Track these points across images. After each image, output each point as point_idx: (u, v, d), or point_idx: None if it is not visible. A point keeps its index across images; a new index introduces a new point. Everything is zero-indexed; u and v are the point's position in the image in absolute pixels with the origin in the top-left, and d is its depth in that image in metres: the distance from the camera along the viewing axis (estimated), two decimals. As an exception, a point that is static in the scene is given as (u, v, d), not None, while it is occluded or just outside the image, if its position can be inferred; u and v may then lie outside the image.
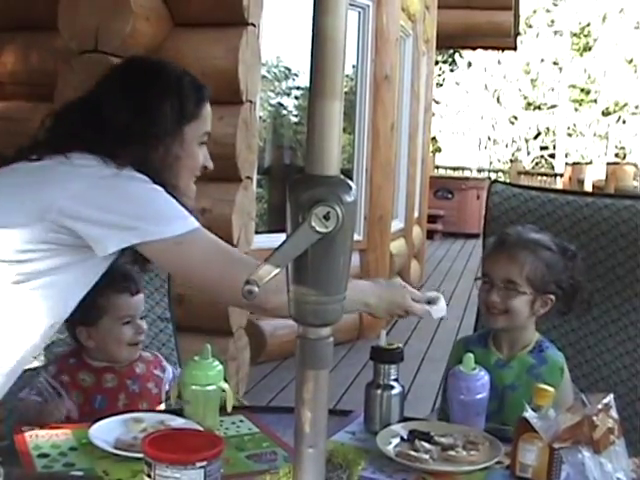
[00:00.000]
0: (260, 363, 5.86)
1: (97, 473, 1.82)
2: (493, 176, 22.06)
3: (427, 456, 1.92)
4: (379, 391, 2.16)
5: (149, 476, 1.56)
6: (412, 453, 1.93)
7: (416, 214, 10.33)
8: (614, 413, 1.76)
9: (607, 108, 30.39)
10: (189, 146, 2.16)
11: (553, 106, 30.75)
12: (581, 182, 14.81)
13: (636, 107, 29.96)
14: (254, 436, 2.12)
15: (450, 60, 30.84)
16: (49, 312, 2.04)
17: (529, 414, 1.76)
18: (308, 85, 1.10)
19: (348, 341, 6.78)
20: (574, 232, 2.68)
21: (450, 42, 14.68)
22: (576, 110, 30.93)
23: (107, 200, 1.95)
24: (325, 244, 1.10)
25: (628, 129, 30.18)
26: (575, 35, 30.47)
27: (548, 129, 31.49)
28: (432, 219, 13.81)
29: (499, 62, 30.42)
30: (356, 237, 7.06)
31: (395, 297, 2.14)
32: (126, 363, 2.50)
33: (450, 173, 21.96)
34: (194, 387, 2.14)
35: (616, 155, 29.75)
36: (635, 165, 16.08)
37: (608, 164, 14.51)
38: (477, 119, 31.39)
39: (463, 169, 23.74)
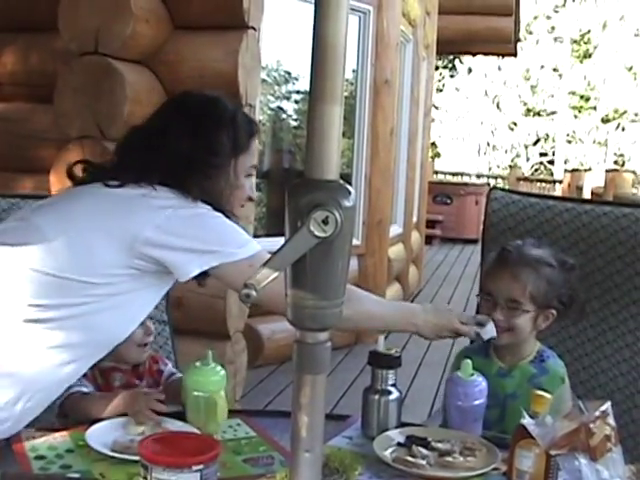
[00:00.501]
0: (257, 367, 5.86)
1: (94, 475, 1.82)
2: (492, 182, 22.04)
3: (424, 462, 1.92)
4: (377, 396, 2.16)
5: (145, 479, 1.56)
6: (409, 459, 1.93)
7: (415, 219, 10.33)
8: (611, 420, 1.76)
9: (606, 115, 30.41)
10: (239, 177, 2.27)
11: (553, 113, 30.77)
12: (580, 189, 14.82)
13: (635, 114, 29.98)
14: (251, 440, 2.12)
15: (450, 66, 30.85)
16: (108, 333, 2.15)
17: (526, 421, 1.76)
18: (308, 89, 1.10)
19: (346, 346, 6.77)
20: (573, 239, 2.68)
21: (450, 47, 14.68)
22: (575, 117, 30.95)
23: (188, 229, 2.08)
24: (324, 249, 1.10)
25: (627, 136, 30.20)
26: (575, 42, 30.50)
27: (547, 136, 31.51)
28: (431, 224, 13.82)
29: (499, 68, 30.44)
30: (354, 242, 7.06)
31: (442, 320, 2.28)
32: (133, 363, 2.51)
33: (449, 178, 21.93)
34: (196, 393, 2.14)
35: (615, 162, 29.76)
36: (634, 172, 16.10)
37: (607, 171, 14.48)
38: (477, 125, 31.40)
39: (462, 175, 23.73)
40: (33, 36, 4.82)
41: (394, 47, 7.71)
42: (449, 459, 1.94)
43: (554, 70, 30.49)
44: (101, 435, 2.00)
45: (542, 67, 30.37)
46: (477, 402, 2.14)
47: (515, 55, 16.87)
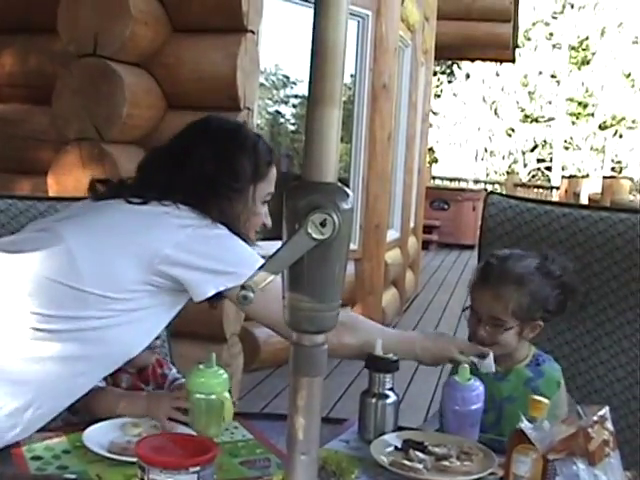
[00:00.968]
0: (253, 370, 5.85)
1: (90, 476, 1.82)
2: (489, 188, 22.03)
3: (421, 466, 1.92)
4: (374, 400, 2.16)
5: (142, 480, 1.55)
6: (406, 462, 1.93)
7: (412, 224, 10.33)
8: (609, 425, 1.75)
9: (604, 122, 30.43)
10: (256, 203, 2.32)
11: (550, 119, 30.78)
12: (577, 195, 14.82)
13: (633, 121, 30.00)
14: (248, 442, 2.11)
15: (448, 71, 30.89)
16: (123, 347, 2.18)
17: (524, 425, 1.76)
18: (306, 93, 1.10)
19: (342, 350, 6.75)
20: (569, 244, 2.68)
21: (449, 53, 14.68)
22: (573, 123, 30.98)
23: (207, 248, 2.13)
24: (321, 251, 1.10)
25: (625, 143, 30.22)
26: (573, 49, 30.52)
27: (545, 142, 31.52)
28: (428, 229, 13.81)
29: (497, 74, 30.46)
30: (351, 246, 7.05)
31: (441, 349, 2.31)
32: (141, 366, 2.51)
33: (446, 184, 21.94)
34: (198, 395, 2.13)
35: (612, 169, 29.78)
36: (631, 179, 16.15)
37: (604, 178, 14.51)
38: (474, 131, 31.41)
39: (459, 180, 23.73)
40: (32, 37, 4.82)
41: (392, 52, 7.72)
42: (446, 463, 1.94)
43: (552, 76, 30.50)
44: (98, 436, 2.00)
45: (540, 73, 30.39)
46: (474, 407, 2.14)
47: (513, 61, 16.90)
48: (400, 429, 2.17)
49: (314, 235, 1.08)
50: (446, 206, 16.39)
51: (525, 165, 31.56)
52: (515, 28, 14.38)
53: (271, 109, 7.94)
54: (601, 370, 2.65)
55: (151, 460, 1.56)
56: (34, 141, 4.76)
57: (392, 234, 8.94)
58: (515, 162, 31.66)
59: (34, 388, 2.03)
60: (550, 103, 30.75)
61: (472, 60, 19.71)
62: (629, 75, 29.68)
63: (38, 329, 2.02)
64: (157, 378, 2.52)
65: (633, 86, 29.78)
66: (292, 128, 8.28)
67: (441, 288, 11.20)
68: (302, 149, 1.12)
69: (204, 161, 2.23)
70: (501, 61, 18.07)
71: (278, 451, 2.03)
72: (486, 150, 31.86)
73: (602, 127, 30.47)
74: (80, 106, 4.36)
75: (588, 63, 30.41)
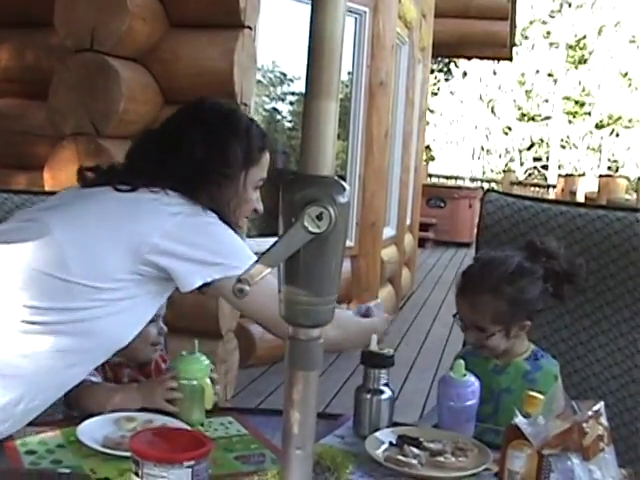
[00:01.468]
0: (249, 367, 5.85)
1: (84, 471, 1.82)
2: (486, 186, 22.05)
3: (415, 461, 1.92)
4: (369, 395, 2.15)
5: (137, 474, 1.55)
6: (401, 458, 1.93)
7: (408, 222, 10.33)
8: (604, 420, 1.75)
9: (601, 121, 30.49)
10: (247, 189, 2.28)
11: (547, 118, 30.83)
12: (573, 194, 14.85)
13: (629, 120, 30.05)
14: (242, 437, 2.11)
15: (445, 69, 30.91)
16: (111, 338, 2.15)
17: (519, 419, 1.76)
18: (303, 91, 1.10)
19: (338, 346, 6.75)
20: (566, 242, 2.68)
21: (446, 51, 14.72)
22: (570, 122, 31.02)
23: (196, 237, 2.09)
24: (317, 245, 1.09)
25: (621, 142, 30.27)
26: (571, 47, 30.57)
27: (542, 140, 31.57)
28: (424, 227, 13.82)
29: (494, 72, 30.50)
30: (348, 243, 7.06)
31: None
32: (143, 361, 2.51)
33: (443, 182, 21.97)
34: (180, 381, 2.16)
35: (609, 168, 29.82)
36: (627, 178, 16.14)
37: (601, 176, 14.53)
38: (471, 129, 31.46)
39: (456, 178, 23.76)
40: (28, 32, 4.82)
41: (390, 49, 7.71)
42: (441, 459, 1.94)
43: (549, 75, 30.54)
44: (92, 431, 1.99)
45: (537, 72, 30.44)
46: (469, 403, 2.14)
47: (510, 59, 16.91)
48: (395, 425, 2.17)
49: (310, 228, 1.07)
50: (442, 204, 16.40)
51: (522, 163, 31.61)
52: (512, 26, 14.38)
53: (268, 106, 7.94)
54: (597, 368, 2.65)
55: (145, 454, 1.55)
56: (30, 136, 4.75)
57: (388, 231, 8.94)
58: (512, 160, 31.71)
59: (26, 382, 2.02)
60: (547, 102, 30.81)
61: (469, 58, 19.72)
62: (626, 74, 29.73)
63: (29, 322, 2.00)
64: (160, 373, 2.52)
65: (630, 85, 29.83)
66: (289, 125, 8.27)
67: (437, 286, 11.21)
68: (299, 145, 1.11)
69: (194, 145, 2.19)
70: (498, 59, 18.10)
71: (273, 446, 2.03)
72: (483, 148, 31.92)
73: (599, 126, 30.52)
74: (77, 101, 4.36)
75: (585, 62, 30.46)
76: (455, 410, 2.14)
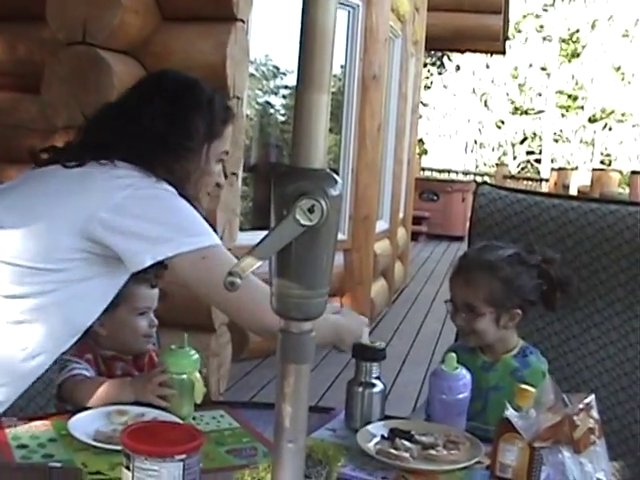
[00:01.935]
0: (242, 360, 5.84)
1: (76, 465, 1.81)
2: (479, 179, 22.05)
3: (407, 454, 1.92)
4: (360, 388, 2.15)
5: (128, 468, 1.55)
6: (392, 451, 1.93)
7: (401, 215, 10.33)
8: (595, 413, 1.76)
9: (594, 115, 30.51)
10: (210, 162, 2.21)
11: (540, 111, 30.84)
12: (566, 187, 14.88)
13: (622, 114, 30.08)
14: (234, 431, 2.11)
15: (438, 63, 30.90)
16: (71, 323, 2.10)
17: (510, 412, 1.76)
18: (295, 84, 1.10)
19: (331, 340, 6.75)
20: (559, 235, 2.68)
21: (439, 44, 14.71)
22: (563, 116, 31.04)
23: (144, 210, 1.98)
24: (309, 237, 1.09)
25: (614, 136, 30.32)
26: (564, 41, 30.58)
27: (534, 134, 31.59)
28: (417, 221, 13.83)
29: (487, 66, 30.50)
30: (341, 236, 7.06)
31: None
32: (136, 353, 2.51)
33: (436, 175, 21.98)
34: (169, 375, 2.16)
35: (602, 162, 29.86)
36: (620, 172, 16.16)
37: (593, 170, 14.55)
38: (464, 122, 31.46)
39: (449, 172, 23.78)
40: (20, 25, 4.79)
41: (383, 42, 7.70)
42: (432, 452, 1.94)
43: (542, 69, 30.55)
44: (84, 424, 1.99)
45: (530, 66, 30.45)
46: (461, 396, 2.14)
47: (503, 53, 16.91)
48: (387, 418, 2.17)
49: (302, 221, 1.07)
50: (435, 197, 16.42)
51: (515, 157, 31.63)
52: (506, 20, 14.38)
53: (261, 100, 7.93)
54: (590, 361, 2.66)
55: (136, 448, 1.55)
56: (23, 129, 4.73)
57: (381, 225, 8.94)
58: (505, 154, 31.73)
59: None
60: (540, 95, 30.82)
61: (462, 52, 19.70)
62: (619, 68, 29.75)
63: None
64: (154, 367, 2.52)
65: (623, 79, 29.86)
66: (282, 119, 8.27)
67: (430, 279, 11.22)
68: (291, 140, 1.11)
69: (155, 117, 2.11)
70: (491, 53, 18.10)
71: (265, 440, 2.02)
72: (476, 142, 31.93)
73: (592, 120, 30.54)
74: (69, 94, 4.34)
75: (578, 56, 30.47)
76: (447, 403, 2.14)
